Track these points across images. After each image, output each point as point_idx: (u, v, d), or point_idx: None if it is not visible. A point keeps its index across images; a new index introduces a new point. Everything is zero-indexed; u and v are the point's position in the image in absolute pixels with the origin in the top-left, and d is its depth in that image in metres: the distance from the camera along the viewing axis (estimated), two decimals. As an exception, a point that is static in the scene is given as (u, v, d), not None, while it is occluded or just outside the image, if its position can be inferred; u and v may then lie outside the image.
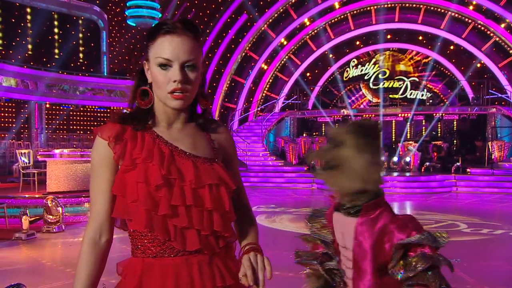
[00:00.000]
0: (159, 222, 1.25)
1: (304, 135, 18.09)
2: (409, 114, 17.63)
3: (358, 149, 1.51)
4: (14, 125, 18.89)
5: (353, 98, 20.16)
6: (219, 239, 1.32)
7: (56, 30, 20.74)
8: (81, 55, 21.58)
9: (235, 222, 1.41)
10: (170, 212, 1.25)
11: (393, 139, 18.89)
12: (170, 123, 1.36)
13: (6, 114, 19.63)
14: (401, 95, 18.37)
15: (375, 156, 1.54)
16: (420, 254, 1.47)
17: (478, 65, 18.41)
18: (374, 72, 18.96)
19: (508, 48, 17.85)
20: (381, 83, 18.63)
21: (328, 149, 1.57)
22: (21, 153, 10.08)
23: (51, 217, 7.05)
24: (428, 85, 19.09)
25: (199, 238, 1.28)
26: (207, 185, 1.30)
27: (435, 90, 19.41)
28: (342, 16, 19.83)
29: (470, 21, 18.33)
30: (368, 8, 19.53)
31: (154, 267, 1.27)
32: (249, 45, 20.12)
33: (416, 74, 19.18)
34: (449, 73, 19.30)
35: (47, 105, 19.53)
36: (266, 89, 20.44)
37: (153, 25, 1.34)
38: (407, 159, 15.07)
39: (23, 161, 9.93)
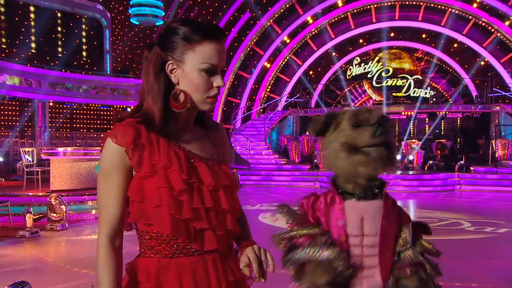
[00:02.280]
0: (182, 226, 1.26)
1: (307, 133, 18.04)
2: (412, 113, 17.59)
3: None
4: (17, 124, 18.95)
5: (354, 96, 20.12)
6: (229, 237, 1.36)
7: (59, 28, 20.76)
8: (84, 53, 21.60)
9: None
10: (192, 216, 1.26)
11: (396, 138, 18.85)
12: (181, 125, 1.35)
13: (10, 113, 19.71)
14: (404, 93, 18.31)
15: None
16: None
17: (482, 63, 18.33)
18: (378, 70, 18.90)
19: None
20: (384, 81, 18.58)
21: None
22: (25, 151, 10.11)
23: (54, 215, 7.08)
24: (432, 83, 19.03)
25: (216, 238, 1.30)
26: (222, 186, 1.32)
27: (439, 88, 19.35)
28: (344, 15, 19.77)
29: (473, 18, 18.25)
30: (370, 7, 19.46)
31: (171, 266, 1.28)
32: (252, 43, 20.09)
33: (419, 72, 19.12)
34: (452, 71, 19.24)
35: (51, 104, 19.57)
36: (268, 89, 20.41)
37: (182, 26, 1.28)
38: (410, 157, 15.02)
39: (27, 159, 9.96)
